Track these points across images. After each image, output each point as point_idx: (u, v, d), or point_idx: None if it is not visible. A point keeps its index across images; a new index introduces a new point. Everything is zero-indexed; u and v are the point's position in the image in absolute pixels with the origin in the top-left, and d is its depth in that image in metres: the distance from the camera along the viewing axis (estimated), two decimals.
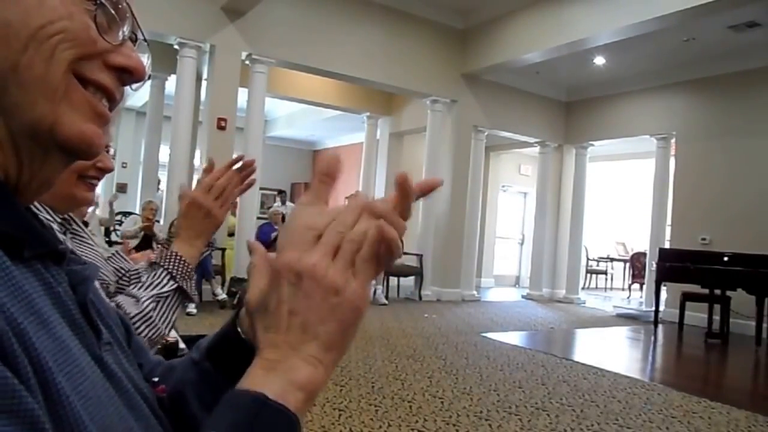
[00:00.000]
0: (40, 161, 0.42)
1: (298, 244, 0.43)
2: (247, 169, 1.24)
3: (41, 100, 0.39)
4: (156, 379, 0.54)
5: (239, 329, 0.53)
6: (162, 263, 1.16)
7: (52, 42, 0.39)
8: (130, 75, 0.45)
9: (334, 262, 0.42)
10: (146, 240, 5.94)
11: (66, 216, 1.13)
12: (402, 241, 0.45)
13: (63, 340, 0.39)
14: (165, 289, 1.11)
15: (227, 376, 0.51)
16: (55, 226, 0.98)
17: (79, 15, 0.41)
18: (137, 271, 1.31)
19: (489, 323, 6.46)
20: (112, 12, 0.43)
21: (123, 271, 1.32)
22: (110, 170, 1.14)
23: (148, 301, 1.08)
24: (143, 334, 1.05)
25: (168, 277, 1.13)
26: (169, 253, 1.17)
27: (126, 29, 0.44)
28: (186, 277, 1.16)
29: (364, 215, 0.43)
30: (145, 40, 0.48)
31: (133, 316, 1.05)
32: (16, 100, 0.39)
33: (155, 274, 1.14)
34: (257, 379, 0.40)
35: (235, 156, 1.26)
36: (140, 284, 1.13)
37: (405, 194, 0.44)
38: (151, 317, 1.07)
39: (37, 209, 0.98)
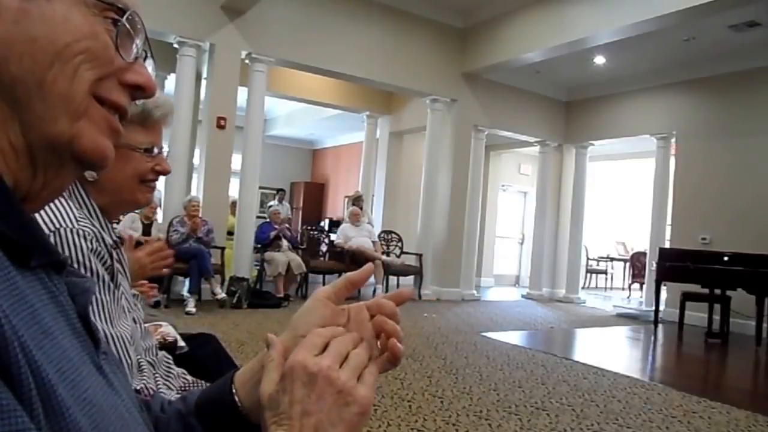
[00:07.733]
0: (54, 172, 0.43)
1: (309, 347, 0.48)
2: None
3: (63, 115, 0.41)
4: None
5: (236, 398, 0.56)
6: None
7: (76, 61, 0.40)
8: (142, 91, 0.47)
9: (343, 368, 0.47)
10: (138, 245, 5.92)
11: (119, 237, 1.13)
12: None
13: (66, 348, 0.39)
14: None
15: None
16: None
17: (102, 35, 0.42)
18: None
19: (489, 323, 6.46)
20: (129, 28, 0.45)
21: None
22: (168, 172, 1.15)
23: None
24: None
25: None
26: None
27: (139, 42, 0.46)
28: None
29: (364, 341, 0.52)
30: (152, 57, 0.50)
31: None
32: (39, 114, 0.40)
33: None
34: None
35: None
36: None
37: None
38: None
39: (102, 227, 1.02)
